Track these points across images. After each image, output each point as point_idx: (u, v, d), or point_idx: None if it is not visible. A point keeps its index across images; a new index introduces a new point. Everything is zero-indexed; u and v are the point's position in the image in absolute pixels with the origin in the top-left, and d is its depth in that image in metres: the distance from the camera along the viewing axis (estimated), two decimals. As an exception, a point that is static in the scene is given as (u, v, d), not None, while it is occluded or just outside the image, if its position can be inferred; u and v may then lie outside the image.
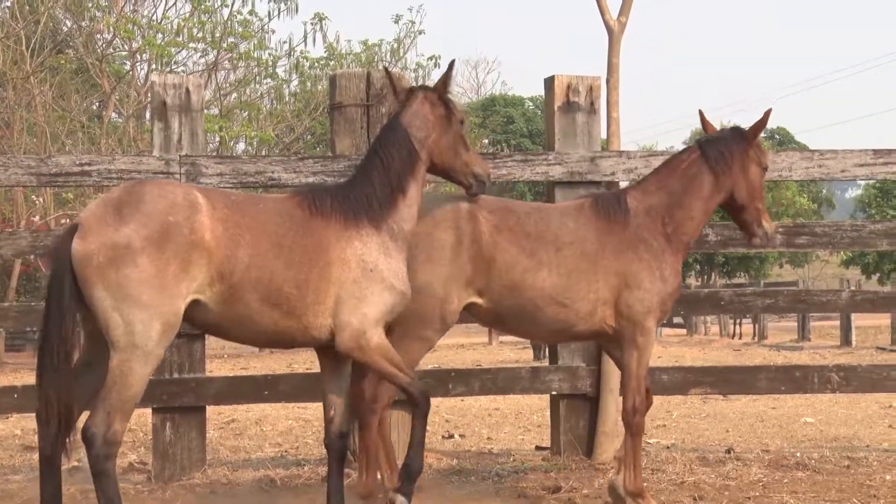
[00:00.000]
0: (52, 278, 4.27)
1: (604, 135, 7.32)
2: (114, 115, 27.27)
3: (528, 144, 43.27)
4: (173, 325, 4.34)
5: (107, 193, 4.46)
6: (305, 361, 20.81)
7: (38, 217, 23.23)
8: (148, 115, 26.84)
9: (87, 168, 6.49)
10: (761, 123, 5.50)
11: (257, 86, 26.24)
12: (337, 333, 4.64)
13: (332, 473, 4.83)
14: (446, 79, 5.12)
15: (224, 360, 23.33)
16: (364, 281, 4.65)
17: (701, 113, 5.73)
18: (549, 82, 7.00)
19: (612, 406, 6.75)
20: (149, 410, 6.74)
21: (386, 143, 4.94)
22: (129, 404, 4.31)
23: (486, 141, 33.36)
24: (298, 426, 9.58)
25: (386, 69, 5.65)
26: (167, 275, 4.24)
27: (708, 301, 7.21)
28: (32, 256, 7.23)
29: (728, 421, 9.94)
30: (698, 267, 43.23)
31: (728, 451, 7.24)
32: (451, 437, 8.77)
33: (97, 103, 29.70)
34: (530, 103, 47.99)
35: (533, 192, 38.66)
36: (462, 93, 61.14)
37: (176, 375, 6.51)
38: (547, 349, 9.41)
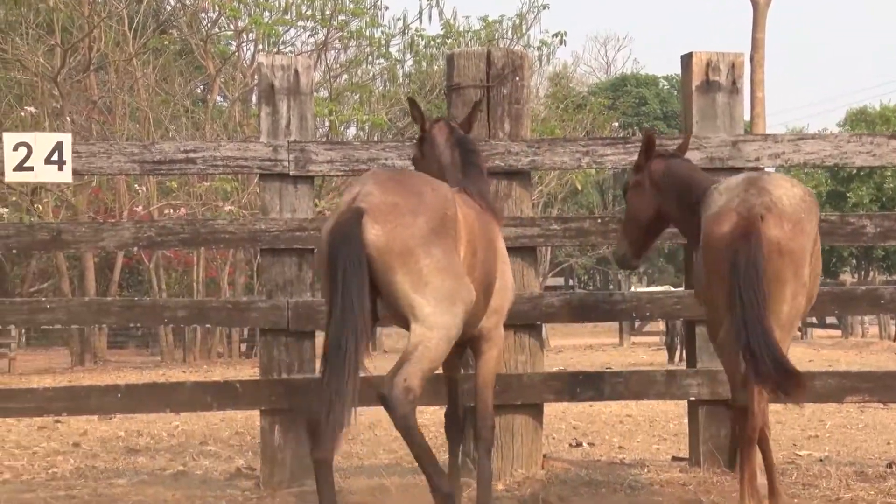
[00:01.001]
0: (345, 265, 4.49)
1: (747, 116, 7.18)
2: (219, 98, 27.90)
3: (662, 128, 42.75)
4: (470, 307, 4.79)
5: (376, 178, 4.73)
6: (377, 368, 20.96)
7: (141, 207, 23.90)
8: (254, 98, 27.37)
9: (191, 155, 6.66)
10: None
11: (369, 66, 26.51)
12: (486, 317, 5.19)
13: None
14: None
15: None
16: (507, 274, 5.36)
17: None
18: (687, 60, 6.91)
19: None
20: (257, 412, 6.88)
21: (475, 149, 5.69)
22: (430, 372, 4.74)
23: (617, 124, 33.08)
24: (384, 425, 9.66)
25: (410, 99, 5.84)
26: (457, 263, 4.71)
27: (865, 299, 7.01)
28: (136, 249, 7.44)
29: (889, 432, 9.68)
30: (854, 262, 42.12)
31: (889, 466, 7.05)
32: (580, 445, 8.74)
33: (201, 86, 30.43)
34: (665, 83, 47.39)
35: (668, 179, 38.08)
36: (590, 72, 60.72)
37: (285, 375, 6.63)
38: (684, 351, 9.29)
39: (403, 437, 4.79)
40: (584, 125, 28.22)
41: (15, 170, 6.50)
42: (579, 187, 29.51)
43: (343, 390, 4.57)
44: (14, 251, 6.79)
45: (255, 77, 24.38)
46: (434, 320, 4.62)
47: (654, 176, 5.85)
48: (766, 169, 6.82)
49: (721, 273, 4.91)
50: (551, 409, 9.73)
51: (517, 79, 6.72)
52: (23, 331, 31.19)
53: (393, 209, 4.59)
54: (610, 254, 5.98)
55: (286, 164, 6.62)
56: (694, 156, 6.72)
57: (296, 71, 6.75)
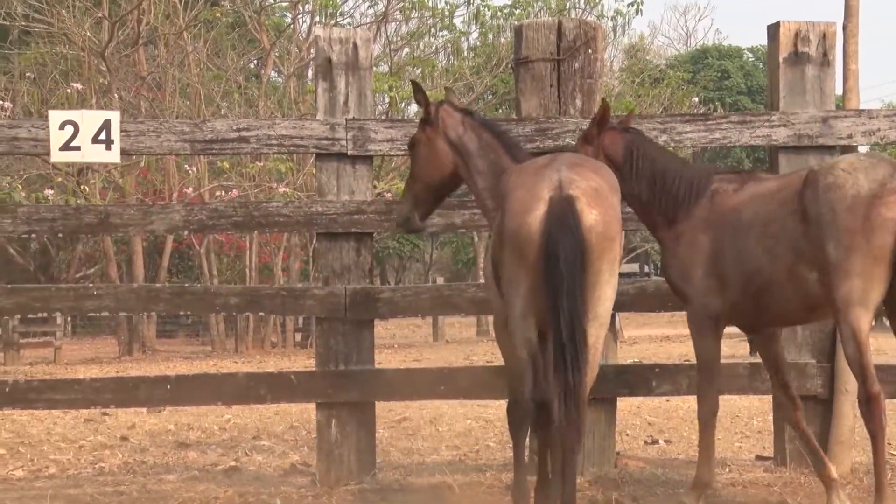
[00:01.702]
0: (567, 254, 4.62)
1: (839, 91, 7.08)
2: (273, 73, 28.10)
3: (746, 103, 42.27)
4: None
5: (568, 163, 4.91)
6: (486, 353, 21.02)
7: (191, 189, 24.13)
8: (310, 73, 27.52)
9: (244, 134, 6.71)
10: None
11: (432, 39, 26.53)
12: None
13: None
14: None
15: (394, 350, 23.80)
16: None
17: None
18: (774, 30, 6.83)
19: (849, 410, 6.56)
20: (312, 406, 6.94)
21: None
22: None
23: (697, 99, 32.76)
24: (479, 427, 9.68)
25: (413, 83, 5.90)
26: None
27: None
28: (186, 232, 7.51)
29: None
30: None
31: None
32: (656, 442, 8.70)
33: (255, 61, 30.64)
34: (749, 55, 46.83)
35: (752, 159, 37.78)
36: (668, 44, 60.22)
37: (342, 367, 6.67)
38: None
39: None
40: (661, 101, 28.00)
41: (61, 149, 6.59)
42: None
43: (581, 383, 4.63)
44: (60, 235, 6.89)
45: (312, 51, 24.49)
46: (607, 318, 4.90)
47: (607, 149, 5.82)
48: (860, 148, 6.73)
49: (529, 261, 4.72)
50: (625, 404, 9.70)
51: (590, 51, 6.69)
52: (68, 319, 31.66)
53: (598, 194, 4.78)
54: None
55: (344, 143, 6.65)
56: (781, 133, 6.65)
57: (354, 44, 6.77)
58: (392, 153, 6.85)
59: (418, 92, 5.77)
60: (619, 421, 7.13)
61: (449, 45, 26.50)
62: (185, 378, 6.88)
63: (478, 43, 27.09)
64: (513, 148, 5.69)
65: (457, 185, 5.88)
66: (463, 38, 26.38)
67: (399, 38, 26.23)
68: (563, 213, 4.66)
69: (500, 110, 28.08)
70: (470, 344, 27.16)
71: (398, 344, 26.69)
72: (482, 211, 5.77)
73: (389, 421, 9.89)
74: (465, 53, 26.75)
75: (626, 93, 28.38)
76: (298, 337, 30.09)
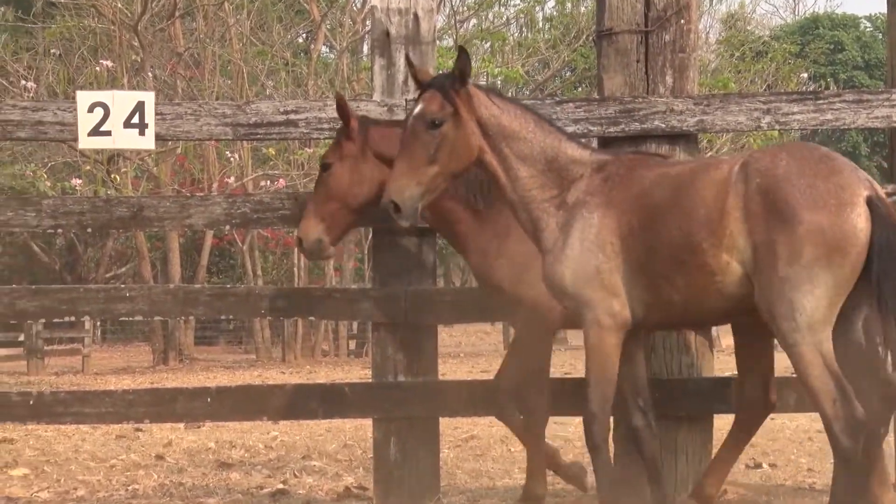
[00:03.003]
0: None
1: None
2: (324, 49, 28.22)
3: (863, 79, 41.76)
4: None
5: (849, 164, 5.18)
6: (563, 364, 20.95)
7: (233, 178, 24.32)
8: (366, 48, 27.61)
9: (292, 117, 6.74)
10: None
11: (502, 9, 26.51)
12: None
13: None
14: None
15: (460, 359, 23.84)
16: None
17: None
18: (894, -6, 6.76)
19: None
20: (368, 422, 6.96)
21: None
22: None
23: (805, 75, 32.44)
24: (556, 446, 9.66)
25: (407, 58, 5.94)
26: None
27: None
28: (228, 227, 7.58)
29: None
30: None
31: None
32: (759, 466, 8.63)
33: (304, 34, 30.82)
34: (867, 24, 46.25)
35: (869, 143, 37.33)
36: (773, 12, 59.66)
37: (402, 378, 6.68)
38: (890, 353, 9.06)
39: None
40: (764, 77, 27.75)
41: (90, 135, 6.67)
42: (758, 152, 29.03)
43: None
44: (89, 230, 6.97)
45: (367, 23, 24.57)
46: None
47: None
48: None
49: (849, 260, 5.03)
50: (723, 422, 9.62)
51: (682, 21, 6.65)
52: (98, 323, 32.09)
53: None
54: None
55: (403, 126, 6.66)
56: (901, 114, 6.57)
57: (415, 15, 6.79)
58: (458, 138, 6.84)
59: (411, 67, 5.78)
60: (717, 441, 7.07)
61: (522, 15, 26.46)
62: (227, 390, 6.94)
63: (554, 13, 27.04)
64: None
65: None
66: (538, 8, 26.34)
67: (465, 9, 26.23)
68: (888, 216, 5.01)
69: (580, 88, 27.99)
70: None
71: (464, 353, 26.73)
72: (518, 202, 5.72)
73: (455, 439, 9.91)
74: (540, 25, 26.70)
75: (723, 68, 28.18)
76: (352, 344, 30.25)
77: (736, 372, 5.96)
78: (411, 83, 6.72)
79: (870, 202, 4.99)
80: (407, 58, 5.92)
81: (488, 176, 5.66)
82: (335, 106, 6.27)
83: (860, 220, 4.95)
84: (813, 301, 4.97)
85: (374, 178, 6.14)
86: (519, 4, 26.47)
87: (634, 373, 5.70)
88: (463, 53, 5.55)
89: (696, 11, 6.81)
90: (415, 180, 5.43)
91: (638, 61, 6.59)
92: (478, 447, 9.67)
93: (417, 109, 5.49)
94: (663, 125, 6.55)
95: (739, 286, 5.19)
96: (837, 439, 4.97)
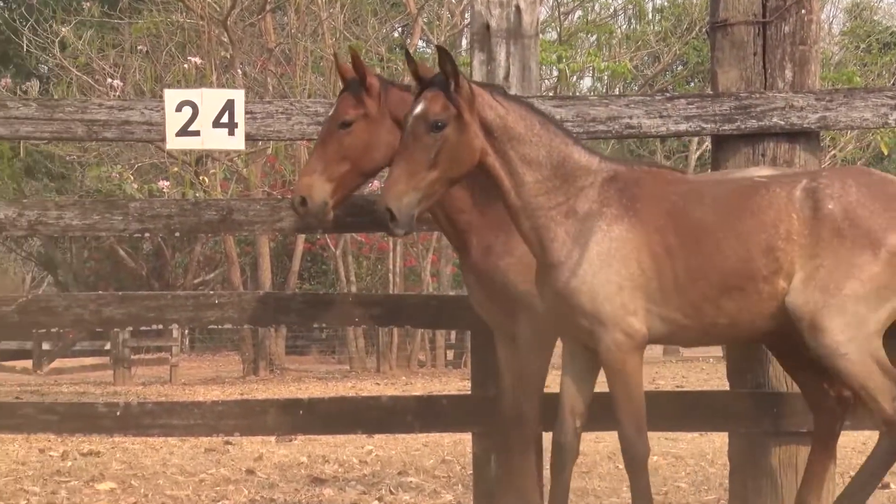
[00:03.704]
0: None
1: None
2: (420, 43, 28.32)
3: None
4: None
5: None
6: (674, 376, 20.83)
7: (326, 180, 24.42)
8: (465, 42, 27.68)
9: (388, 115, 6.78)
10: None
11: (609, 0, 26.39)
12: None
13: None
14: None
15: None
16: None
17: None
18: None
19: None
20: (468, 436, 6.97)
21: None
22: None
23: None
24: (667, 464, 9.62)
25: (406, 50, 5.79)
26: None
27: None
28: (320, 231, 7.63)
29: None
30: None
31: None
32: (886, 487, 8.52)
33: (400, 28, 30.97)
34: None
35: None
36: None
37: (502, 391, 6.68)
38: None
39: None
40: (892, 70, 27.35)
41: (178, 135, 6.75)
42: (885, 151, 28.61)
43: None
44: (176, 234, 7.06)
45: (467, 16, 24.60)
46: None
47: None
48: None
49: None
50: (848, 439, 9.49)
51: (803, 11, 6.58)
52: (186, 331, 32.48)
53: None
54: None
55: (505, 124, 6.66)
56: None
57: (517, 7, 6.79)
58: (562, 136, 6.83)
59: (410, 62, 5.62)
60: (841, 459, 6.99)
61: (630, 6, 26.34)
62: (320, 402, 6.98)
63: (665, 3, 26.87)
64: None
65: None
66: (647, -2, 26.18)
67: (570, 0, 26.18)
68: None
69: (693, 83, 27.81)
70: (655, 365, 26.95)
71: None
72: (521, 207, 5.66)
73: (559, 456, 9.87)
74: (650, 16, 26.58)
75: (848, 60, 27.80)
76: (450, 355, 30.30)
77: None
78: (512, 79, 6.73)
79: None
80: (406, 53, 5.74)
81: (490, 180, 5.56)
82: (352, 60, 6.11)
83: None
84: (877, 316, 5.24)
85: (390, 144, 5.95)
86: (627, -6, 26.37)
87: (581, 395, 5.66)
88: (443, 54, 5.43)
89: (818, 1, 6.73)
90: (412, 186, 5.34)
91: (755, 54, 6.54)
92: (583, 464, 9.64)
93: (418, 110, 5.39)
94: (782, 122, 6.48)
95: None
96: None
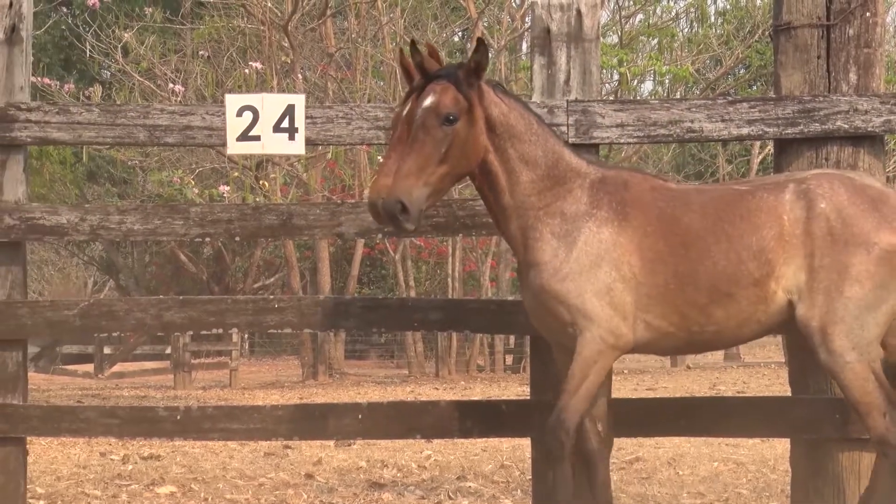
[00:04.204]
0: None
1: None
2: (481, 48, 28.33)
3: None
4: None
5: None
6: (735, 382, 20.70)
7: (385, 185, 24.46)
8: (525, 46, 27.68)
9: (448, 120, 6.78)
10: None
11: (671, 3, 26.31)
12: None
13: None
14: None
15: (624, 376, 23.70)
16: None
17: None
18: None
19: None
20: (527, 441, 6.96)
21: None
22: None
23: None
24: (728, 471, 9.56)
25: (413, 42, 5.62)
26: None
27: None
28: (380, 236, 7.64)
29: None
30: None
31: None
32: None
33: (460, 32, 31.00)
34: None
35: None
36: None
37: (562, 396, 6.67)
38: None
39: None
40: (958, 73, 27.05)
41: (239, 140, 6.79)
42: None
43: None
44: (237, 238, 7.11)
45: (527, 20, 24.58)
46: None
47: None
48: None
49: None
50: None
51: (867, 14, 6.53)
52: (245, 336, 32.68)
53: None
54: None
55: (564, 128, 6.65)
56: None
57: (578, 11, 6.78)
58: (621, 141, 6.81)
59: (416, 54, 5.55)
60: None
61: (692, 9, 26.22)
62: (379, 406, 6.99)
63: (727, 6, 26.72)
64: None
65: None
66: (709, 1, 26.10)
67: (631, 3, 26.09)
68: None
69: (756, 87, 27.65)
70: (716, 370, 26.81)
71: (628, 369, 26.54)
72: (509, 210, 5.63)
73: (619, 461, 9.86)
74: (712, 19, 26.42)
75: (912, 63, 27.52)
76: (509, 359, 30.29)
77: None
78: (573, 83, 6.71)
79: None
80: (412, 43, 5.62)
81: (487, 177, 5.54)
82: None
83: None
84: (875, 319, 5.29)
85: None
86: (688, -2, 26.25)
87: (597, 399, 5.71)
88: (481, 45, 5.47)
89: (883, 3, 6.67)
90: (423, 180, 5.31)
91: (819, 57, 6.49)
92: (643, 470, 9.60)
93: (428, 102, 5.34)
94: (846, 126, 6.42)
95: (779, 313, 5.40)
96: (889, 450, 5.33)
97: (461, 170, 5.46)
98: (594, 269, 5.40)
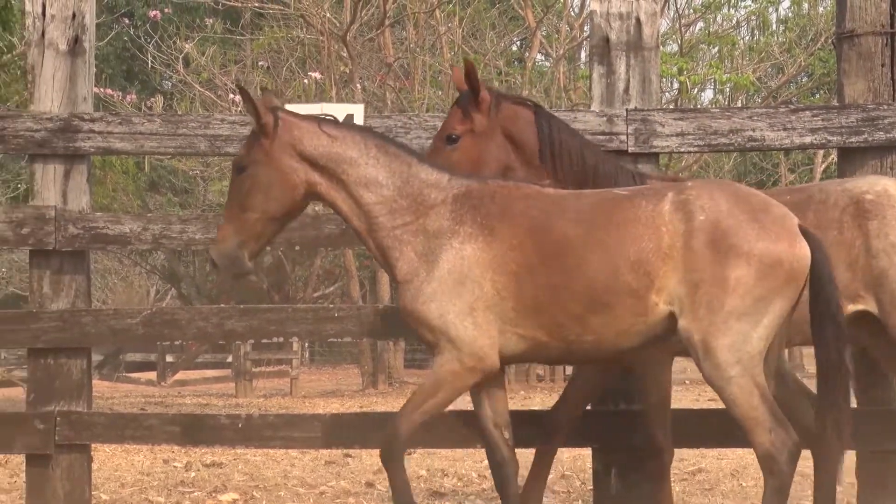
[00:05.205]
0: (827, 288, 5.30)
1: None
2: (539, 56, 28.31)
3: None
4: None
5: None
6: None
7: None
8: (584, 55, 27.64)
9: (508, 129, 6.78)
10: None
11: (732, 11, 26.18)
12: None
13: None
14: None
15: (686, 386, 23.57)
16: None
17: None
18: None
19: None
20: (587, 451, 6.94)
21: None
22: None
23: None
24: (795, 481, 9.47)
25: (239, 87, 5.85)
26: None
27: None
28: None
29: None
30: None
31: None
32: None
33: (518, 42, 30.99)
34: None
35: None
36: None
37: (622, 406, 6.65)
38: None
39: None
40: None
41: (299, 149, 6.83)
42: None
43: (848, 411, 5.38)
44: (297, 247, 7.12)
45: (586, 29, 24.53)
46: None
47: (509, 127, 6.05)
48: None
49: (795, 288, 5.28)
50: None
51: (933, 21, 6.49)
52: (306, 344, 32.79)
53: None
54: None
55: (624, 137, 6.64)
56: None
57: (637, 20, 6.76)
58: (682, 150, 6.80)
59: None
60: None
61: (753, 17, 26.07)
62: (439, 415, 6.99)
63: (789, 14, 26.56)
64: None
65: None
66: (771, 9, 25.90)
67: (691, 11, 25.98)
68: (819, 240, 5.33)
69: (818, 95, 27.45)
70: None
71: (689, 380, 26.33)
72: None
73: (681, 472, 9.80)
74: (774, 27, 26.25)
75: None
76: (569, 370, 30.16)
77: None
78: (632, 92, 6.71)
79: (801, 230, 5.28)
80: (240, 88, 5.79)
81: (333, 207, 5.69)
82: (464, 73, 6.12)
83: (805, 248, 5.23)
84: (759, 332, 5.17)
85: (500, 161, 6.01)
86: (750, 6, 26.10)
87: (497, 408, 5.69)
88: (242, 92, 5.61)
89: (948, 10, 6.61)
90: (232, 230, 5.56)
91: (883, 65, 6.45)
92: (706, 481, 9.54)
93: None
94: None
95: (661, 325, 5.29)
96: (774, 467, 5.28)
97: (274, 210, 5.58)
98: (457, 288, 5.37)
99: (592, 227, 5.33)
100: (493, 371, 5.49)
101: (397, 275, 5.55)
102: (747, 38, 26.34)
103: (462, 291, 5.35)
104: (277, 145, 5.52)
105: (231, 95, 22.11)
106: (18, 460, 9.46)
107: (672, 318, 5.26)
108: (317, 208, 21.98)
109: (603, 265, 5.27)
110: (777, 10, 26.19)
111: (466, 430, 6.78)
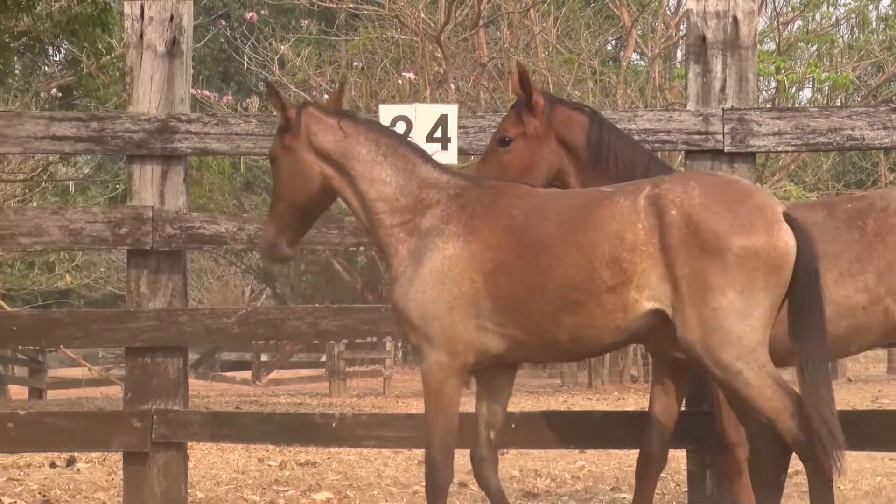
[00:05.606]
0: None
1: None
2: (634, 56, 28.20)
3: None
4: None
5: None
6: (839, 402, 20.19)
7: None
8: (680, 55, 27.47)
9: (601, 129, 6.77)
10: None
11: (832, 8, 25.89)
12: None
13: None
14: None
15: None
16: None
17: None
18: None
19: None
20: (681, 453, 6.91)
21: None
22: None
23: None
24: (892, 485, 9.37)
25: (267, 83, 6.05)
26: None
27: None
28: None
29: None
30: None
31: None
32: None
33: (613, 41, 30.89)
34: None
35: None
36: None
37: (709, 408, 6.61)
38: None
39: None
40: None
41: (392, 150, 6.86)
42: None
43: (833, 405, 5.24)
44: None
45: (682, 28, 24.40)
46: None
47: (561, 131, 6.12)
48: None
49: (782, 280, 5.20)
50: None
51: None
52: (399, 345, 32.91)
53: None
54: None
55: (720, 137, 6.61)
56: None
57: (734, 18, 6.73)
58: (779, 149, 6.75)
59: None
60: None
61: (853, 15, 25.75)
62: (531, 416, 7.01)
63: (890, 12, 26.21)
64: None
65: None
66: (871, 7, 25.56)
67: (790, 9, 25.72)
68: (806, 230, 5.24)
69: (918, 94, 27.06)
70: (878, 383, 26.28)
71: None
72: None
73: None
74: (874, 25, 25.91)
75: None
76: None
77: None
78: (729, 91, 6.67)
79: (786, 218, 5.18)
80: (268, 84, 5.97)
81: (345, 201, 5.77)
82: (517, 76, 6.20)
83: (789, 237, 5.14)
84: (752, 325, 5.07)
85: (552, 165, 6.07)
86: (849, 4, 25.78)
87: (495, 409, 5.72)
88: (269, 88, 5.83)
89: None
90: (271, 218, 5.80)
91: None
92: (803, 484, 9.41)
93: None
94: None
95: (644, 320, 5.24)
96: (808, 449, 5.16)
97: (300, 200, 5.73)
98: (437, 287, 5.40)
99: (570, 227, 5.35)
100: (468, 368, 5.50)
101: (392, 272, 5.65)
102: (846, 36, 26.02)
103: (442, 290, 5.40)
104: (298, 139, 5.69)
105: (326, 96, 22.24)
106: (116, 458, 9.59)
107: (658, 313, 5.23)
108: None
109: (576, 263, 5.27)
110: (877, 7, 25.83)
111: (559, 431, 6.78)
